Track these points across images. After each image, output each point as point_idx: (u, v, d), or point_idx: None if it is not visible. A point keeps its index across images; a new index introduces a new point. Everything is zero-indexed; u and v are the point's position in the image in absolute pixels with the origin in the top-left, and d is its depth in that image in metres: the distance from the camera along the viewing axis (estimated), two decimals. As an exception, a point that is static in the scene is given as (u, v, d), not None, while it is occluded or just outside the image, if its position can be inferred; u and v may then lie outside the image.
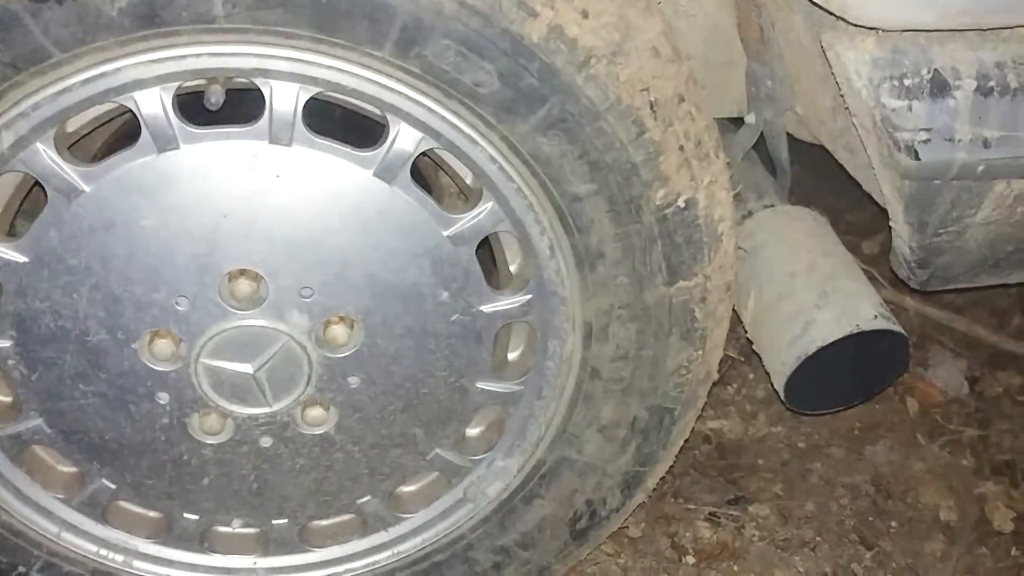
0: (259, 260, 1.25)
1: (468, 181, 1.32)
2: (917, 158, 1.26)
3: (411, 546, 1.54)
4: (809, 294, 1.55)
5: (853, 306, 1.52)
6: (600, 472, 1.49)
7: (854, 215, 2.45)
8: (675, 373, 1.41)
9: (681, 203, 1.27)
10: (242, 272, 1.25)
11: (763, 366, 1.69)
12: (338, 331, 1.31)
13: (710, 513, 1.91)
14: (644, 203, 1.25)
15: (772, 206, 1.73)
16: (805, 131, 1.76)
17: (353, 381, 1.35)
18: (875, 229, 2.43)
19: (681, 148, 1.24)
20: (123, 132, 1.23)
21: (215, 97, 1.16)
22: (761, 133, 1.78)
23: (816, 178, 2.12)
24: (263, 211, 1.22)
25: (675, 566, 1.77)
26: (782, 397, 1.60)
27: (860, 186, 1.62)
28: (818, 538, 1.87)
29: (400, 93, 1.18)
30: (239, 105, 1.18)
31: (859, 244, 2.46)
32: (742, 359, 2.10)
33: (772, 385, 1.62)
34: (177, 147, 1.17)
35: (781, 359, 1.56)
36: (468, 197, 1.32)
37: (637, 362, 1.39)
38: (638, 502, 1.57)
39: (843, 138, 1.58)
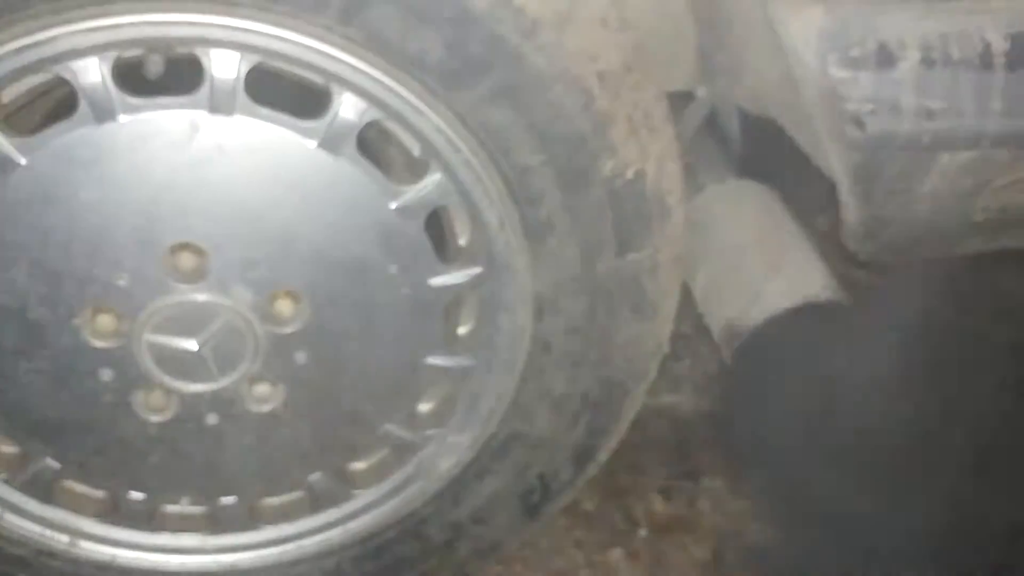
0: (201, 233, 1.22)
1: (415, 153, 1.31)
2: (863, 129, 1.27)
3: (363, 523, 1.52)
4: (758, 267, 1.57)
5: (802, 279, 1.53)
6: (552, 446, 1.49)
7: (805, 191, 2.46)
8: (626, 346, 1.41)
9: (630, 174, 1.26)
10: (184, 246, 1.23)
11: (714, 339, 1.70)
12: (284, 306, 1.30)
13: (663, 486, 1.92)
14: (593, 174, 1.25)
15: (723, 181, 1.74)
16: (755, 104, 1.76)
17: (300, 357, 1.34)
18: (827, 205, 2.44)
19: (629, 118, 1.23)
20: (61, 103, 1.20)
21: (154, 67, 1.14)
22: (712, 107, 1.78)
23: (766, 153, 2.13)
24: (205, 183, 1.19)
25: (629, 538, 1.78)
26: (731, 367, 1.61)
27: (810, 160, 1.63)
28: (769, 512, 1.88)
29: (344, 62, 1.16)
30: (180, 75, 1.15)
31: (811, 220, 2.47)
32: (694, 332, 2.11)
33: (724, 357, 1.63)
34: (115, 118, 1.14)
35: (730, 331, 1.57)
36: (413, 166, 1.30)
37: (588, 335, 1.38)
38: (590, 475, 1.57)
39: (792, 111, 1.58)
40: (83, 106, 1.14)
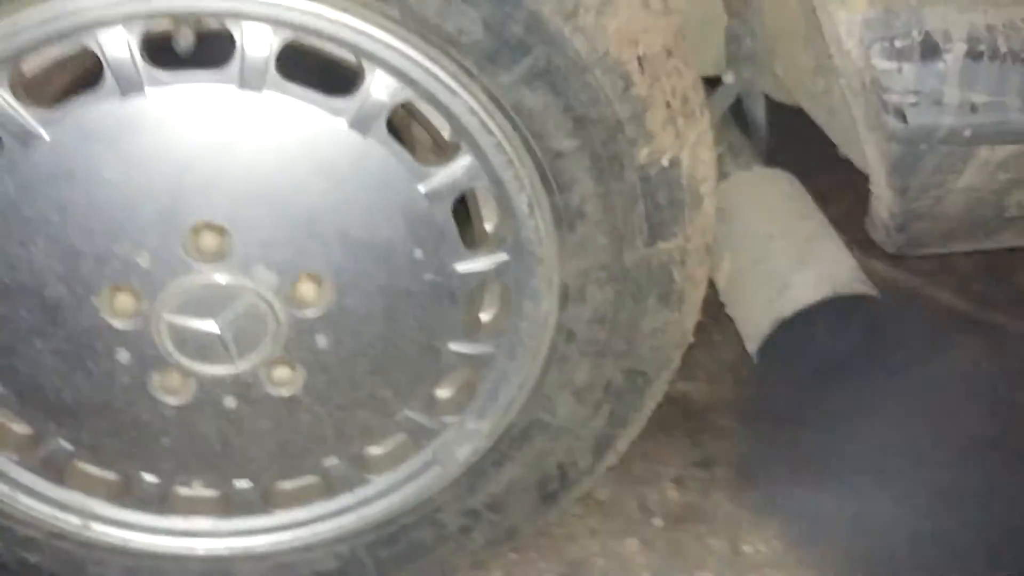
0: (225, 213, 1.19)
1: (445, 134, 1.27)
2: (905, 121, 1.24)
3: (378, 508, 1.50)
4: (785, 257, 1.54)
5: (830, 269, 1.51)
6: (572, 435, 1.47)
7: (821, 178, 2.43)
8: (651, 336, 1.39)
9: (665, 162, 1.23)
10: (207, 225, 1.20)
11: (734, 328, 1.68)
12: (306, 289, 1.27)
13: (677, 475, 1.90)
14: (627, 161, 1.22)
15: (749, 168, 1.71)
16: (783, 92, 1.74)
17: (321, 341, 1.31)
18: (841, 192, 2.41)
19: (668, 105, 1.20)
20: (84, 76, 1.16)
21: (184, 40, 1.10)
22: (739, 93, 1.75)
23: (783, 139, 2.10)
24: (230, 161, 1.16)
25: (643, 528, 1.76)
26: (756, 360, 1.58)
27: (830, 149, 1.60)
28: (784, 504, 1.86)
29: (378, 40, 1.12)
30: (210, 50, 1.12)
31: (825, 207, 2.44)
32: (710, 321, 2.08)
33: (745, 348, 1.60)
34: (142, 91, 1.11)
35: (756, 322, 1.54)
36: (443, 151, 1.27)
37: (613, 325, 1.36)
38: (609, 464, 1.55)
39: (824, 100, 1.56)
40: (108, 78, 1.11)
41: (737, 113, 1.80)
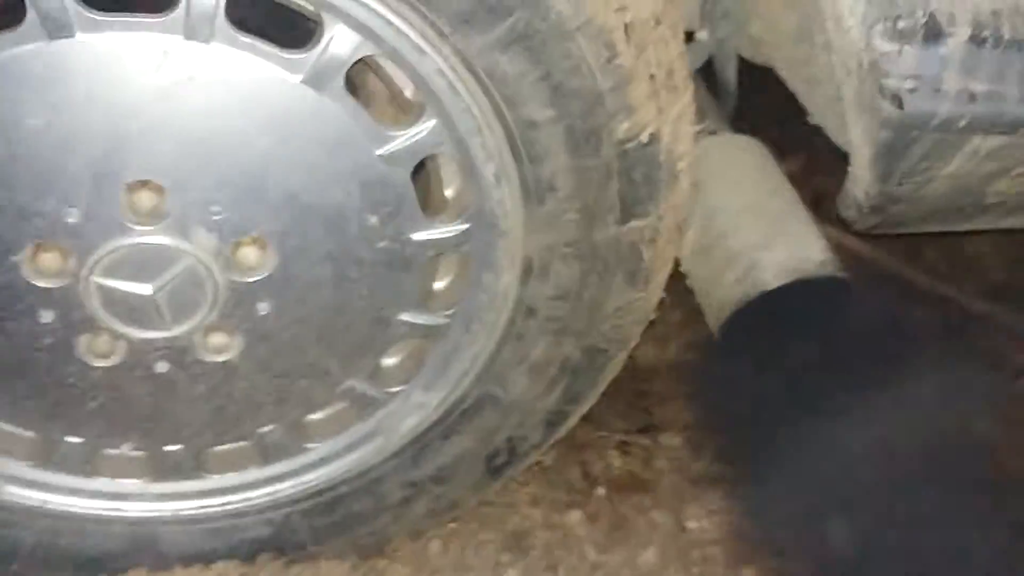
0: (164, 171, 1.08)
1: (408, 93, 1.17)
2: (901, 107, 1.17)
3: (315, 477, 1.43)
4: (754, 234, 1.47)
5: (800, 250, 1.45)
6: (524, 410, 1.40)
7: (776, 132, 2.37)
8: (614, 314, 1.32)
9: (645, 137, 1.15)
10: (144, 183, 1.09)
11: (684, 290, 1.62)
12: (249, 253, 1.17)
13: (621, 441, 1.85)
14: (605, 135, 1.13)
15: (715, 132, 1.63)
16: (758, 54, 1.65)
17: (262, 307, 1.22)
18: (796, 148, 2.35)
19: (652, 77, 1.12)
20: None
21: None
22: (711, 52, 1.66)
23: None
24: (172, 116, 1.05)
25: (586, 498, 1.71)
26: (716, 336, 1.53)
27: (787, 105, 1.53)
28: (729, 475, 1.83)
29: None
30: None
31: (779, 162, 2.38)
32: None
33: (696, 311, 1.55)
34: (72, 35, 0.98)
35: (719, 300, 1.48)
36: (405, 110, 1.17)
37: (576, 302, 1.29)
38: (559, 437, 1.49)
39: (804, 68, 1.48)
40: (31, 17, 0.98)
41: (707, 72, 1.71)
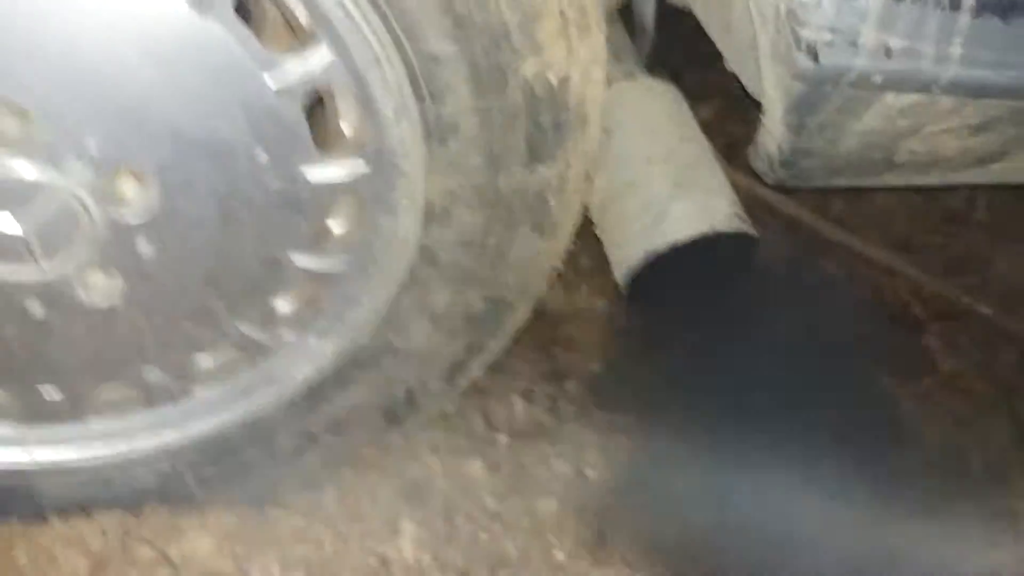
0: (33, 95, 0.99)
1: (302, 20, 1.09)
2: (816, 60, 1.13)
3: (203, 424, 1.37)
4: (664, 184, 1.44)
5: (709, 203, 1.42)
6: (425, 360, 1.36)
7: (692, 76, 2.33)
8: (519, 264, 1.27)
9: (553, 79, 1.09)
10: (8, 107, 0.99)
11: (592, 236, 1.59)
12: (128, 188, 1.09)
13: (525, 388, 1.81)
14: (511, 74, 1.07)
15: (633, 77, 1.58)
16: (677, -6, 1.60)
17: (144, 247, 1.14)
18: (711, 93, 2.32)
19: (562, 14, 1.05)
20: None
21: None
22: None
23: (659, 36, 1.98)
24: (43, 36, 0.96)
25: (488, 446, 1.67)
26: (621, 286, 1.50)
27: (705, 49, 1.49)
28: (632, 425, 1.81)
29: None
30: None
31: (694, 107, 2.35)
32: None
33: (605, 258, 1.52)
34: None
35: (626, 249, 1.45)
36: (299, 38, 1.09)
37: (480, 250, 1.24)
38: (460, 389, 1.45)
39: (722, 13, 1.44)
40: None
41: (626, 14, 1.66)
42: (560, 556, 1.53)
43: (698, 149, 1.50)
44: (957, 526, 1.72)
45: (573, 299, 1.98)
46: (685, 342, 1.89)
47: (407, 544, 1.49)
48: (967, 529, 1.73)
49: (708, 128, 2.17)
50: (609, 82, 1.57)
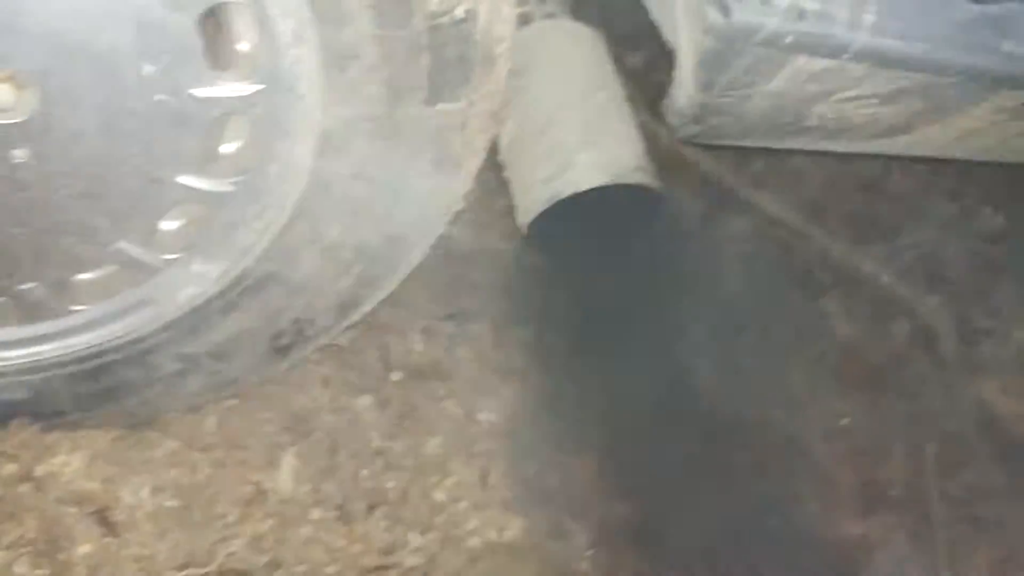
0: None
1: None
2: (727, 15, 1.11)
3: (81, 341, 1.32)
4: (573, 132, 1.42)
5: (615, 153, 1.41)
6: (314, 292, 1.33)
7: (621, 24, 2.29)
8: (417, 200, 1.25)
9: (460, 13, 1.05)
10: None
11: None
12: (3, 92, 1.03)
13: (425, 326, 1.79)
14: (416, 4, 1.03)
15: (554, 16, 1.55)
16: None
17: (19, 154, 1.08)
18: (641, 43, 2.29)
19: (472, -55, 1.02)
20: None
21: None
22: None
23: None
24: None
25: (380, 383, 1.65)
26: (523, 231, 1.48)
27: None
28: (528, 368, 1.80)
29: None
30: None
31: (622, 56, 2.32)
32: (486, 168, 1.95)
33: (517, 216, 1.49)
34: None
35: (532, 195, 1.43)
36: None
37: (376, 183, 1.20)
38: (351, 323, 1.42)
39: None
40: None
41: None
42: (440, 496, 1.53)
43: (611, 97, 1.48)
44: (830, 494, 1.76)
45: (483, 241, 1.96)
46: (585, 288, 1.88)
47: (286, 475, 1.47)
48: (840, 497, 1.78)
49: (636, 76, 2.15)
50: (529, 20, 1.54)
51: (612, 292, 1.93)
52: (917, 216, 2.23)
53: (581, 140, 1.40)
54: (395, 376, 1.69)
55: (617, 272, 1.88)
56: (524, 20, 1.55)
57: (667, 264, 2.02)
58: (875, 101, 1.36)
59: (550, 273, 1.93)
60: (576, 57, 1.50)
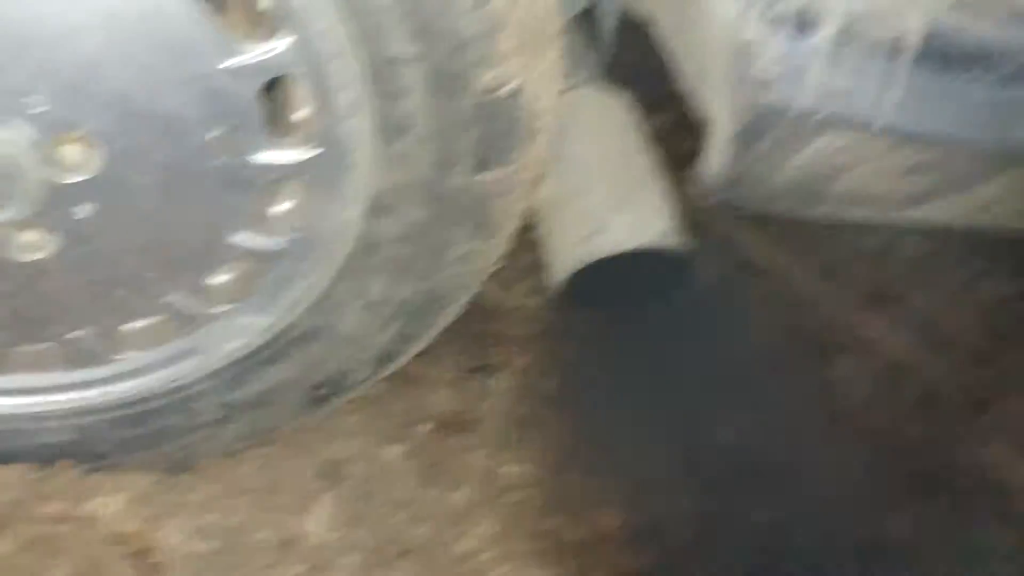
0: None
1: (264, 4, 1.09)
2: (764, 94, 1.17)
3: (125, 387, 1.37)
4: (604, 196, 1.47)
5: (646, 218, 1.45)
6: (356, 346, 1.37)
7: (649, 85, 2.35)
8: (457, 262, 1.29)
9: (508, 90, 1.11)
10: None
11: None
12: (71, 151, 1.09)
13: (453, 379, 1.83)
14: (468, 82, 1.09)
15: (588, 84, 1.61)
16: (638, 9, 1.63)
17: (83, 210, 1.14)
18: (667, 104, 2.35)
19: (522, 26, 1.07)
20: None
21: None
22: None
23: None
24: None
25: (409, 433, 1.69)
26: (554, 291, 1.53)
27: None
28: (555, 419, 1.84)
29: None
30: None
31: (649, 117, 2.37)
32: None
33: (549, 274, 1.54)
34: None
35: (564, 256, 1.48)
36: (259, 21, 1.09)
37: (420, 245, 1.25)
38: (387, 374, 1.47)
39: (680, 34, 1.47)
40: None
41: (586, 19, 1.68)
42: (465, 546, 1.56)
43: (643, 163, 1.53)
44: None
45: (510, 296, 2.00)
46: (610, 347, 1.92)
47: (319, 521, 1.50)
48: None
49: (661, 138, 2.21)
50: (565, 87, 1.60)
51: (634, 350, 1.98)
52: (927, 281, 2.27)
53: (613, 205, 1.45)
54: (424, 427, 1.73)
55: (639, 328, 1.93)
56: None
57: (685, 323, 2.07)
58: (898, 173, 1.41)
59: (576, 329, 1.98)
60: (609, 124, 1.56)
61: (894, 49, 1.21)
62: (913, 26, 1.21)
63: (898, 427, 2.02)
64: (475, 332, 1.92)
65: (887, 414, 2.04)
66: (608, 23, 1.64)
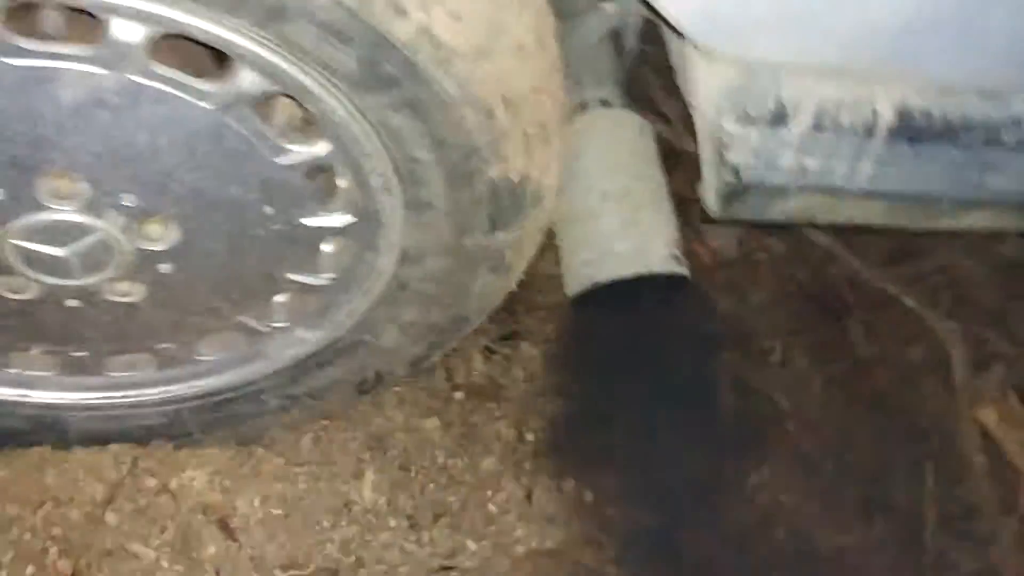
0: (83, 166, 1.21)
1: (310, 116, 1.29)
2: (738, 178, 1.34)
3: (204, 383, 1.63)
4: (614, 221, 1.65)
5: (649, 244, 1.63)
6: (392, 354, 1.61)
7: (671, 104, 2.23)
8: (478, 294, 1.51)
9: (515, 178, 1.30)
10: (64, 175, 1.22)
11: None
12: (154, 230, 1.32)
13: (486, 347, 2.03)
14: (479, 176, 1.28)
15: (608, 105, 1.76)
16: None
17: (164, 268, 1.38)
18: (688, 122, 2.37)
19: (525, 134, 1.26)
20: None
21: (49, 20, 1.07)
22: (617, 22, 1.77)
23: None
24: (92, 126, 1.17)
25: (445, 404, 1.92)
26: (570, 297, 1.73)
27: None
28: (575, 386, 2.05)
29: (251, 42, 1.12)
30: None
31: (669, 133, 2.22)
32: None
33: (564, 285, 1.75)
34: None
35: (573, 274, 1.68)
36: (306, 123, 1.29)
37: (444, 284, 1.47)
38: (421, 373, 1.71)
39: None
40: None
41: (611, 40, 1.82)
42: (493, 509, 1.82)
43: (653, 188, 1.70)
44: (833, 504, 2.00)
45: (540, 264, 2.19)
46: (628, 320, 2.11)
47: (367, 488, 1.78)
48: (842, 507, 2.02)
49: (682, 156, 2.26)
50: (586, 105, 1.77)
51: (654, 315, 2.17)
52: (944, 240, 2.40)
53: (620, 230, 1.63)
54: (458, 396, 1.96)
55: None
56: (581, 107, 1.77)
57: (703, 287, 2.24)
58: (877, 209, 1.56)
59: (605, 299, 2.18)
60: (623, 145, 1.72)
61: (867, 130, 1.35)
62: (884, 109, 1.35)
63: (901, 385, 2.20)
64: (508, 299, 2.12)
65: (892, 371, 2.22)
66: (630, 42, 1.78)
